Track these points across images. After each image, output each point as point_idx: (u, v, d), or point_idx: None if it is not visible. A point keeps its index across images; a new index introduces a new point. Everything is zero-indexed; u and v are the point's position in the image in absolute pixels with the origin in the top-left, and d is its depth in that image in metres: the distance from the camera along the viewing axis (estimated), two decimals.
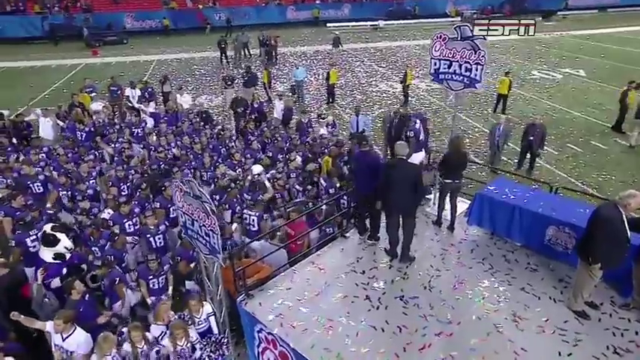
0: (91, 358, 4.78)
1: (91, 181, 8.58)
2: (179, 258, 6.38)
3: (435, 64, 6.67)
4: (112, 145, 10.27)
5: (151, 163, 9.28)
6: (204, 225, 4.76)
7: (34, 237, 6.52)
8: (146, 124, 11.71)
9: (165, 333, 5.08)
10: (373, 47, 27.92)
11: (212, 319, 5.39)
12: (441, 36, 6.45)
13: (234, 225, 7.29)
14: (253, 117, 12.50)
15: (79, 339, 4.86)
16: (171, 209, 7.34)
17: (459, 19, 33.96)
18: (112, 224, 6.92)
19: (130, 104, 13.50)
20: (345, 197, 7.36)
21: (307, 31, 33.65)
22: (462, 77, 6.38)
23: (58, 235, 6.00)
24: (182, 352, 4.93)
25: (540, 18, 36.90)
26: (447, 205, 6.64)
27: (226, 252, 5.60)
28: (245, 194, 7.91)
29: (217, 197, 7.93)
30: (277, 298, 5.31)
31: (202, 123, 11.74)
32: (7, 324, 5.22)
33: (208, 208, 4.58)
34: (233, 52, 24.05)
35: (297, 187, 8.45)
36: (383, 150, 9.14)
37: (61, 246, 5.92)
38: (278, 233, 6.75)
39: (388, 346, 4.58)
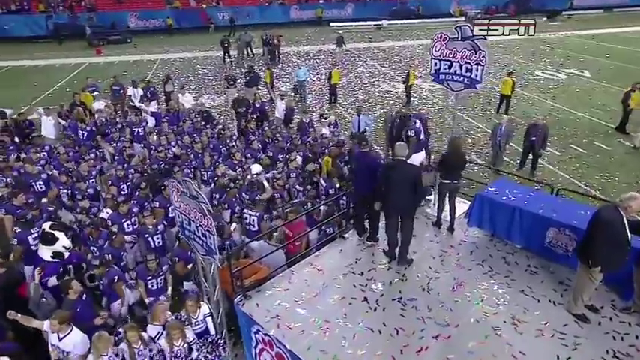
0: (88, 358, 4.77)
1: (91, 181, 8.60)
2: (177, 259, 6.37)
3: (436, 64, 6.62)
4: (113, 145, 10.29)
5: (151, 163, 9.28)
6: (200, 225, 4.75)
7: (36, 235, 6.53)
8: (147, 123, 11.72)
9: (162, 333, 5.06)
10: (376, 47, 27.86)
11: (209, 319, 5.36)
12: (441, 36, 6.40)
13: (233, 225, 7.27)
14: (255, 117, 12.49)
15: (75, 339, 4.85)
16: (170, 209, 7.33)
17: (462, 18, 33.82)
18: (110, 224, 6.92)
19: (132, 103, 13.53)
20: (344, 198, 7.32)
21: (310, 30, 33.64)
22: (462, 78, 6.32)
23: (57, 233, 6.01)
24: (178, 353, 4.92)
25: (545, 18, 36.79)
26: (447, 207, 6.59)
27: (224, 252, 5.59)
28: (243, 194, 7.90)
29: (217, 196, 7.94)
30: (275, 299, 5.28)
31: (203, 122, 11.73)
32: (5, 323, 5.22)
33: (205, 209, 4.56)
34: (236, 51, 24.06)
35: (297, 187, 8.42)
36: (384, 150, 9.10)
37: (60, 245, 5.93)
38: (275, 234, 6.73)
39: (385, 348, 4.54)
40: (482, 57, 6.02)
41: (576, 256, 4.84)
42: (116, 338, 4.99)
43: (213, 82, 20.14)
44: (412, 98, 16.84)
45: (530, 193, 6.24)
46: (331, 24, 34.76)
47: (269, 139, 10.67)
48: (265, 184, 8.05)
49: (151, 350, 4.83)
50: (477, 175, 10.15)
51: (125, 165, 9.09)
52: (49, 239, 5.98)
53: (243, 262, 5.80)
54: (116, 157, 9.78)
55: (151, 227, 6.94)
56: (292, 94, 17.22)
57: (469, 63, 6.16)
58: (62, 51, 27.55)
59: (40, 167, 8.83)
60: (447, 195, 6.49)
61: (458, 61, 6.28)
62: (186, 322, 5.19)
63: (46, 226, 6.15)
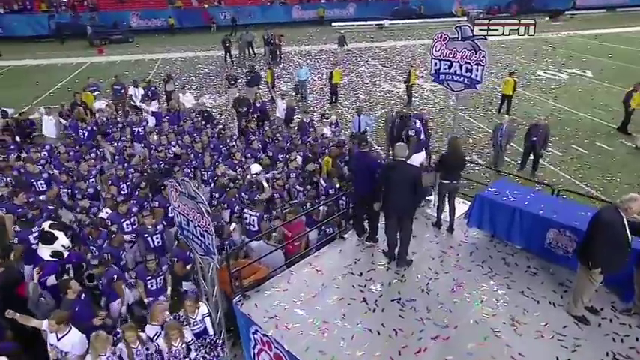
0: (86, 358, 4.76)
1: (91, 180, 8.61)
2: (176, 259, 6.36)
3: (436, 64, 6.60)
4: (114, 144, 10.29)
5: (151, 163, 9.28)
6: (199, 225, 4.75)
7: (37, 234, 6.53)
8: (147, 123, 11.72)
9: (160, 333, 5.06)
10: (378, 47, 27.81)
11: (208, 319, 5.36)
12: (441, 36, 6.38)
13: (233, 225, 7.26)
14: (255, 116, 12.48)
15: (73, 339, 4.85)
16: (169, 209, 7.32)
17: (465, 18, 33.73)
18: (110, 224, 6.92)
19: (133, 103, 13.54)
20: (344, 198, 7.30)
21: (312, 30, 33.62)
22: (462, 78, 6.30)
23: (56, 232, 6.02)
24: (177, 353, 4.91)
25: (548, 18, 36.67)
26: (447, 207, 6.57)
27: (224, 252, 5.58)
28: (242, 193, 7.89)
29: (217, 195, 7.94)
30: (273, 300, 5.28)
31: (204, 122, 11.73)
32: (4, 322, 5.23)
33: (203, 209, 4.56)
34: (237, 51, 24.06)
35: (298, 187, 8.41)
36: (385, 150, 9.08)
37: (59, 244, 5.93)
38: (274, 234, 6.71)
39: (384, 349, 4.53)
40: (483, 57, 6.00)
41: (576, 258, 4.82)
42: (114, 338, 4.99)
43: (214, 81, 20.14)
44: (413, 98, 16.80)
45: (530, 194, 6.21)
46: (333, 24, 34.73)
47: (269, 138, 10.66)
48: (264, 184, 8.04)
49: (147, 349, 4.83)
50: (478, 175, 10.12)
51: (125, 165, 9.09)
52: (48, 238, 5.99)
53: (241, 262, 5.79)
54: (116, 157, 9.79)
55: (150, 227, 6.93)
56: (293, 93, 17.20)
57: (469, 63, 6.14)
58: (64, 50, 27.60)
59: (40, 167, 8.84)
60: (447, 195, 6.46)
61: (458, 61, 6.26)
62: (185, 323, 5.18)
63: (46, 225, 6.17)
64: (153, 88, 14.29)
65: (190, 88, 17.67)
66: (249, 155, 9.49)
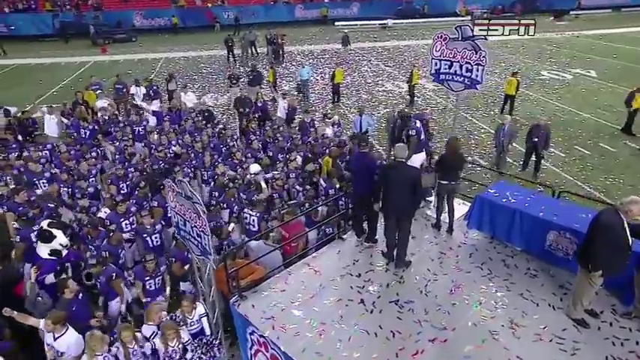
0: (82, 359, 4.75)
1: (91, 179, 8.61)
2: (173, 259, 6.34)
3: (436, 64, 6.57)
4: (115, 143, 10.30)
5: (151, 162, 9.28)
6: (195, 226, 4.73)
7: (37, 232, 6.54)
8: (148, 122, 11.73)
9: (157, 333, 5.04)
10: (381, 46, 27.75)
11: (205, 320, 5.34)
12: (441, 36, 6.34)
13: (232, 225, 7.24)
14: (257, 116, 12.46)
15: (69, 340, 4.82)
16: (168, 208, 7.32)
17: (469, 18, 33.60)
18: (108, 223, 6.91)
19: (135, 102, 13.56)
20: (343, 198, 7.27)
21: (315, 29, 33.60)
22: (462, 78, 6.26)
23: (54, 231, 5.99)
24: (173, 353, 4.89)
25: (552, 17, 36.47)
26: (447, 208, 6.52)
27: (222, 252, 5.57)
28: (241, 193, 7.87)
29: (216, 194, 7.92)
30: (271, 300, 5.25)
31: (204, 122, 11.72)
32: (2, 321, 5.23)
33: (199, 209, 4.54)
34: (240, 50, 24.05)
35: (297, 187, 8.38)
36: (387, 150, 9.03)
37: (57, 243, 5.91)
38: (272, 234, 6.69)
39: (381, 351, 4.50)
40: (483, 57, 5.96)
41: (576, 260, 4.77)
42: (111, 338, 4.97)
43: (216, 81, 20.16)
44: (416, 98, 16.75)
45: (531, 196, 6.15)
46: (336, 23, 34.73)
47: (270, 138, 10.64)
48: (263, 183, 8.02)
49: (142, 347, 4.81)
50: (480, 176, 10.06)
51: (125, 164, 9.09)
52: (46, 237, 5.97)
53: (239, 262, 5.77)
54: (117, 156, 9.79)
55: (148, 227, 6.91)
56: (295, 93, 17.18)
57: (469, 63, 6.11)
58: (68, 49, 27.73)
59: (41, 165, 8.86)
60: (446, 196, 6.42)
61: (458, 61, 6.23)
62: (182, 323, 5.17)
63: (44, 223, 6.16)
64: (155, 88, 14.33)
65: (193, 88, 17.69)
66: (249, 155, 9.47)
